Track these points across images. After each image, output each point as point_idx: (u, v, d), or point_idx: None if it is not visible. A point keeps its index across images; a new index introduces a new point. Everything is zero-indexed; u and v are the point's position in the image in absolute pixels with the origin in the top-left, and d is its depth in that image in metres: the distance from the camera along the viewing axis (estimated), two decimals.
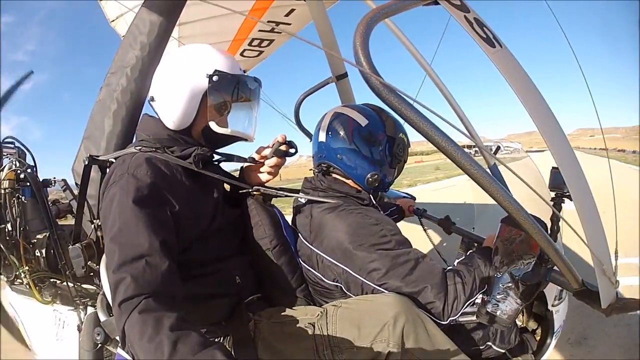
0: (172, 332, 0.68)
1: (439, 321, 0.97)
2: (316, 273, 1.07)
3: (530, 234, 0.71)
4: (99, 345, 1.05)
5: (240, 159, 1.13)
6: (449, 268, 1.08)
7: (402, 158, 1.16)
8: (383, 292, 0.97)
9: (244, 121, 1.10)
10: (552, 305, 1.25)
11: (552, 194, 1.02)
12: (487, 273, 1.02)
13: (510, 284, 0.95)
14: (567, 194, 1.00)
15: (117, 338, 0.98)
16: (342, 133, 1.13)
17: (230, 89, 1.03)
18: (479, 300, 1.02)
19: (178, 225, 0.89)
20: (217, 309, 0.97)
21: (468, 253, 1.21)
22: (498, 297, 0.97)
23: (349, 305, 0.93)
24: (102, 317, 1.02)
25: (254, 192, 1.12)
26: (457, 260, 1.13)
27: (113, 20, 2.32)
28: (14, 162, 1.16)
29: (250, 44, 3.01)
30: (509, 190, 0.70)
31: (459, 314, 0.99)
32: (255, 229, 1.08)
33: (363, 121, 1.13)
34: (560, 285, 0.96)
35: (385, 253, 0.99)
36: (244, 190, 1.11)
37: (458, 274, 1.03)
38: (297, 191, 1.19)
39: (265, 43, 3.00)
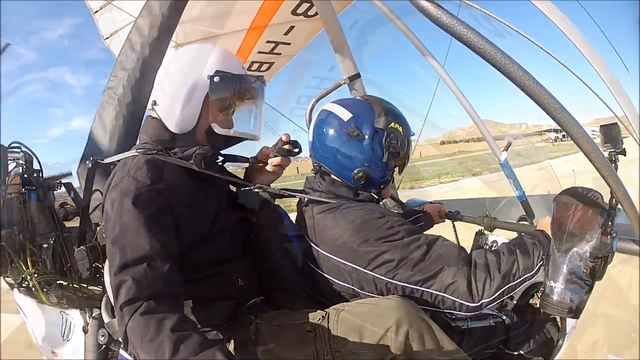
0: (174, 333, 0.70)
1: (468, 304, 0.90)
2: (325, 275, 1.06)
3: (611, 184, 0.75)
4: (103, 346, 1.08)
5: (243, 159, 1.14)
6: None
7: (396, 150, 1.09)
8: (395, 284, 0.95)
9: (249, 120, 1.11)
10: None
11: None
12: (538, 255, 0.94)
13: (578, 264, 0.89)
14: (619, 150, 0.95)
15: (117, 337, 1.01)
16: (325, 130, 1.11)
17: (233, 89, 1.04)
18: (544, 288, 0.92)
19: (179, 227, 0.91)
20: (219, 311, 0.98)
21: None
22: (566, 281, 0.90)
23: (351, 308, 0.92)
24: (106, 319, 1.05)
25: (256, 190, 1.13)
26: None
27: (107, 38, 2.36)
28: (20, 167, 1.21)
29: (249, 68, 3.03)
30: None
31: (494, 297, 0.91)
32: (258, 230, 1.09)
33: (346, 115, 1.09)
34: (627, 252, 0.94)
35: (394, 244, 0.96)
36: (246, 188, 1.11)
37: (495, 252, 0.96)
38: (300, 191, 1.20)
39: (265, 67, 3.01)
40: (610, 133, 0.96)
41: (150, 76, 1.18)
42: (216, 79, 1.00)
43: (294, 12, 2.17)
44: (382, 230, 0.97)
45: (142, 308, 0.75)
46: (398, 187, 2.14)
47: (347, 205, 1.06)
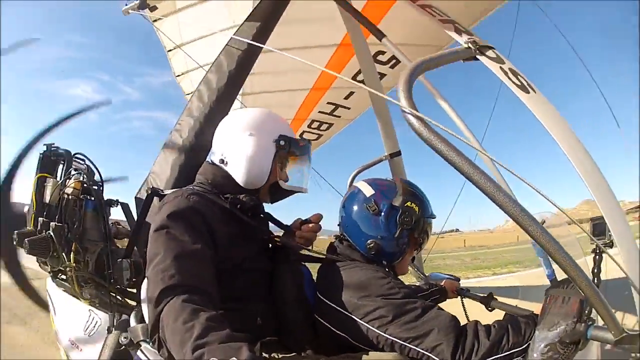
0: (207, 322, 0.78)
1: None
2: (326, 324, 1.16)
3: (574, 279, 0.79)
4: (123, 346, 1.26)
5: (280, 224, 1.36)
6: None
7: (409, 227, 1.22)
8: (386, 338, 1.04)
9: (301, 176, 1.34)
10: None
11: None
12: (529, 333, 1.00)
13: (548, 349, 0.93)
14: (608, 242, 1.02)
15: (138, 342, 1.13)
16: (349, 204, 1.32)
17: (292, 150, 1.25)
18: None
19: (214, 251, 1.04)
20: None
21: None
22: None
23: (348, 359, 1.03)
24: (133, 324, 1.23)
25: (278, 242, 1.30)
26: None
27: (178, 76, 2.59)
28: (82, 175, 1.41)
29: (309, 126, 3.20)
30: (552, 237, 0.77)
31: None
32: (279, 284, 1.21)
33: (369, 192, 1.27)
34: (600, 340, 0.92)
35: (391, 302, 1.06)
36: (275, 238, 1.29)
37: (486, 325, 1.03)
38: (321, 253, 1.36)
39: (324, 126, 3.20)
40: (599, 227, 1.06)
41: (214, 125, 1.41)
42: (281, 142, 1.22)
43: (354, 78, 2.37)
44: (384, 288, 1.10)
45: (184, 295, 0.84)
46: (425, 260, 2.37)
47: (357, 265, 1.22)
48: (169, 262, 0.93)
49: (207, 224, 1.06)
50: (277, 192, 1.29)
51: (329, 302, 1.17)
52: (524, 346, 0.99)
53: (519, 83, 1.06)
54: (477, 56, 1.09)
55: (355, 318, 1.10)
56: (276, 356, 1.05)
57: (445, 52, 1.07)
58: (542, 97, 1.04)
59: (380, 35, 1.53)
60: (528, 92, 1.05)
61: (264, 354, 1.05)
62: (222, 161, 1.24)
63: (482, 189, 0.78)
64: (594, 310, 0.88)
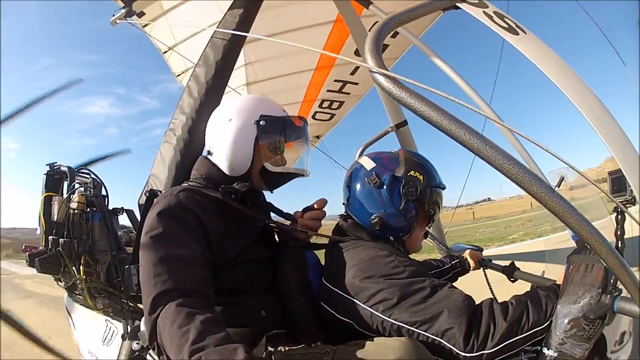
0: (202, 324, 0.78)
1: (465, 354, 0.87)
2: (331, 310, 1.10)
3: (591, 246, 0.69)
4: (136, 352, 1.25)
5: (281, 213, 1.30)
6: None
7: (415, 198, 1.14)
8: (391, 323, 0.96)
9: (298, 158, 1.27)
10: (612, 352, 1.09)
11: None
12: (551, 308, 0.90)
13: (572, 325, 0.85)
14: (630, 198, 0.95)
15: (147, 345, 1.13)
16: (350, 180, 1.24)
17: (278, 130, 1.18)
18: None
19: (209, 247, 1.02)
20: (238, 336, 1.01)
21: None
22: (558, 342, 0.86)
23: (355, 346, 0.94)
24: (142, 329, 1.22)
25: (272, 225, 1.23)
26: None
27: (179, 75, 2.64)
28: (87, 189, 1.43)
29: (320, 106, 3.17)
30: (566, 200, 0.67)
31: (498, 349, 0.87)
32: (280, 270, 1.18)
33: (369, 165, 1.20)
34: (627, 313, 0.83)
35: (396, 282, 0.97)
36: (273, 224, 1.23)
37: (502, 303, 0.94)
38: (325, 235, 1.29)
39: (335, 105, 3.14)
40: (618, 182, 1.00)
41: (205, 119, 1.39)
42: (262, 122, 1.15)
43: (357, 53, 2.29)
44: (387, 268, 1.01)
45: (178, 300, 0.84)
46: (446, 232, 2.28)
47: (361, 244, 1.15)
48: (160, 267, 0.91)
49: (198, 219, 1.03)
50: (270, 178, 1.21)
51: (332, 287, 1.10)
52: (545, 324, 0.89)
53: (505, 25, 0.97)
54: (457, 4, 1.01)
55: (359, 302, 1.02)
56: (282, 349, 1.00)
57: (420, 4, 0.97)
58: (533, 37, 0.94)
59: (366, 3, 1.47)
60: (517, 34, 0.95)
61: (269, 348, 1.01)
62: (209, 152, 1.23)
63: (468, 146, 0.67)
64: None
